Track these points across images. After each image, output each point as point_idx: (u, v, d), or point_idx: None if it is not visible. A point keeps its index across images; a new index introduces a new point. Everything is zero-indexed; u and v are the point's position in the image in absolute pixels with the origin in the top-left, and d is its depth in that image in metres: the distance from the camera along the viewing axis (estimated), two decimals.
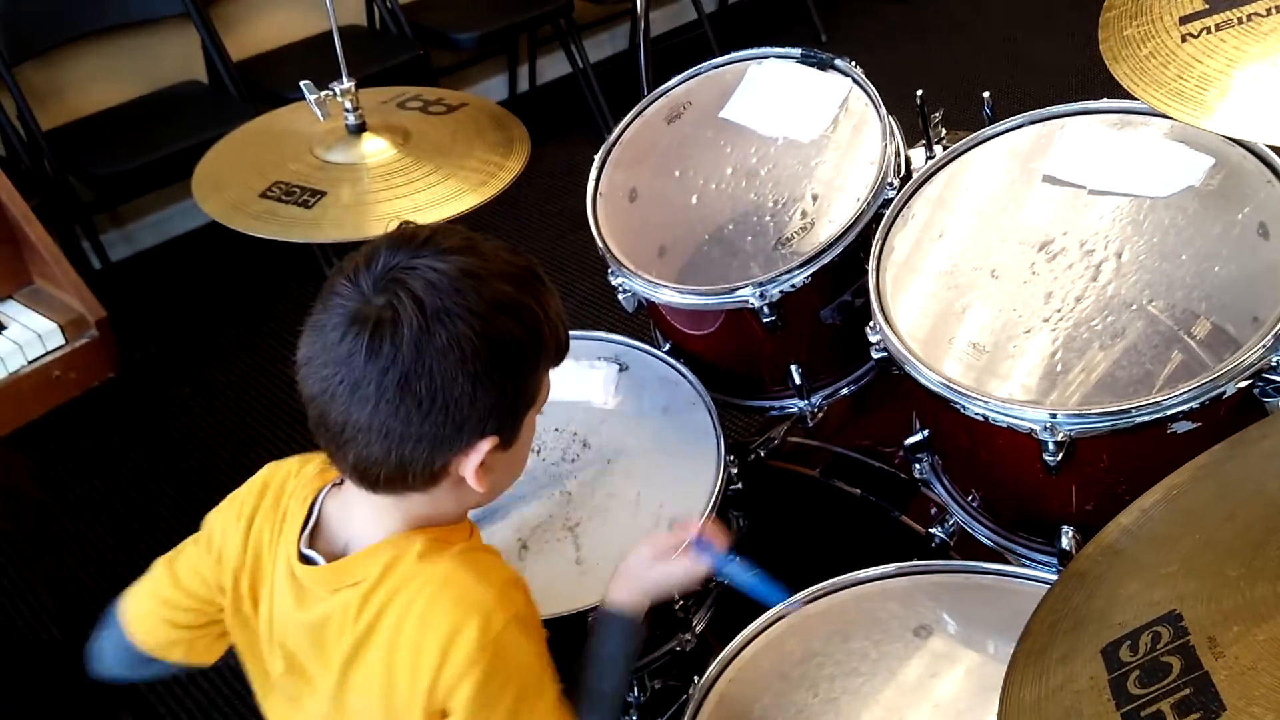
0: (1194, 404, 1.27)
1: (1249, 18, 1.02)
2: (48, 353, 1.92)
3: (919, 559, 1.48)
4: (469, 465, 1.09)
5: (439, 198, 1.71)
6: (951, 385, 1.36)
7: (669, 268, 1.76)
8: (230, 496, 1.24)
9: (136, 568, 1.27)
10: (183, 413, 3.03)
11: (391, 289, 1.04)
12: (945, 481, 1.62)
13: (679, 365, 1.78)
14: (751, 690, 1.36)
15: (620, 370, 1.81)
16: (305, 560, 1.14)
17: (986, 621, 1.39)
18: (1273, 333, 1.27)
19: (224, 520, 1.22)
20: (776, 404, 1.83)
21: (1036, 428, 1.31)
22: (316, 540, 1.16)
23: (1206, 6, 1.06)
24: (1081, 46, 3.74)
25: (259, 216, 1.69)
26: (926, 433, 1.58)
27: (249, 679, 1.24)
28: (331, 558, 1.14)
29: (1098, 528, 1.45)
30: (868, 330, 1.47)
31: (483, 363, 1.05)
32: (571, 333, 1.86)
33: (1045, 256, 1.45)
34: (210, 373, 3.16)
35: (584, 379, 1.81)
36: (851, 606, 1.41)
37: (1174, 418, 1.28)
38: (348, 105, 1.78)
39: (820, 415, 1.83)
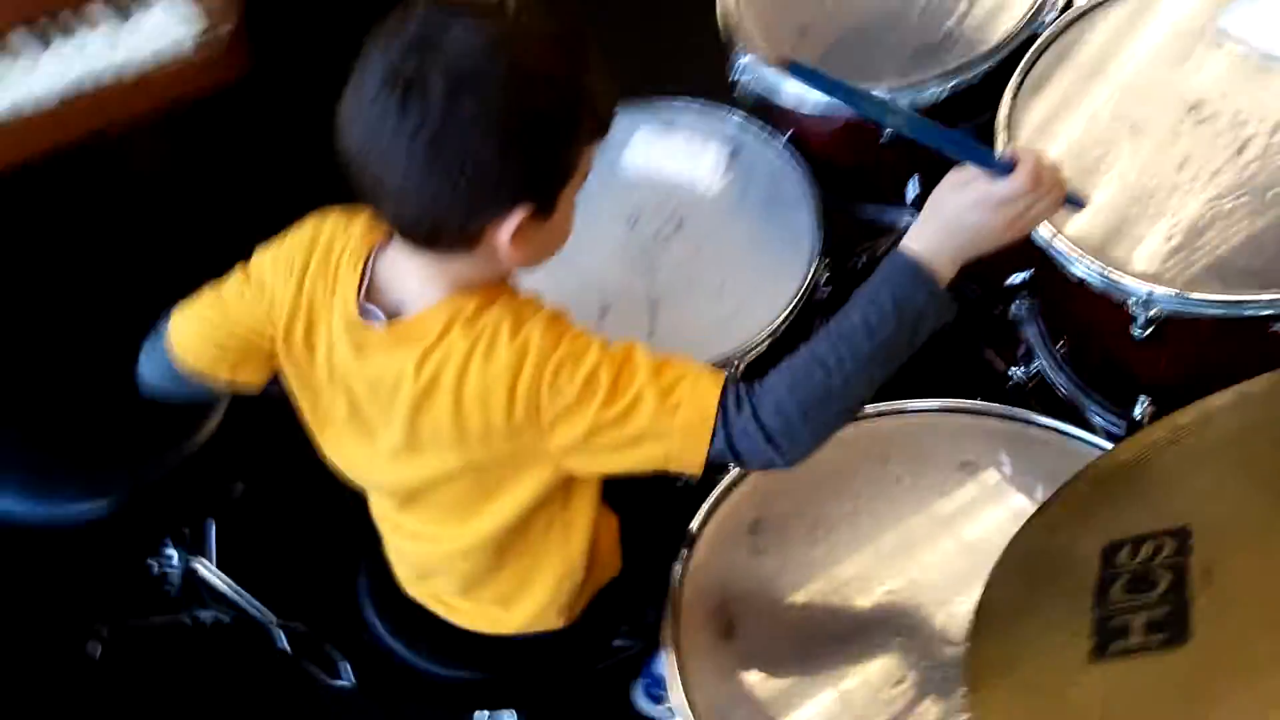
0: None
1: None
2: (189, 37, 1.96)
3: (985, 398, 1.45)
4: (502, 233, 1.09)
5: None
6: (1054, 242, 1.30)
7: (809, 51, 1.68)
8: (277, 243, 1.25)
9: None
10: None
11: (422, 52, 1.02)
12: (1039, 324, 1.57)
13: (796, 158, 1.72)
14: (779, 485, 1.38)
15: (732, 154, 1.77)
16: (364, 314, 1.17)
17: (1039, 470, 1.37)
18: None
19: (274, 268, 1.24)
20: (889, 215, 1.77)
21: (1130, 300, 1.25)
22: (372, 299, 1.18)
23: None
24: None
25: None
26: (1030, 273, 1.52)
27: (305, 420, 1.29)
28: (388, 314, 1.17)
29: (1177, 404, 1.41)
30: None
31: (511, 132, 1.04)
32: (690, 103, 1.86)
33: (1194, 119, 1.34)
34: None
35: (693, 156, 1.77)
36: (898, 433, 1.40)
37: (1276, 318, 1.21)
38: None
39: None
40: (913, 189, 1.68)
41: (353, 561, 1.49)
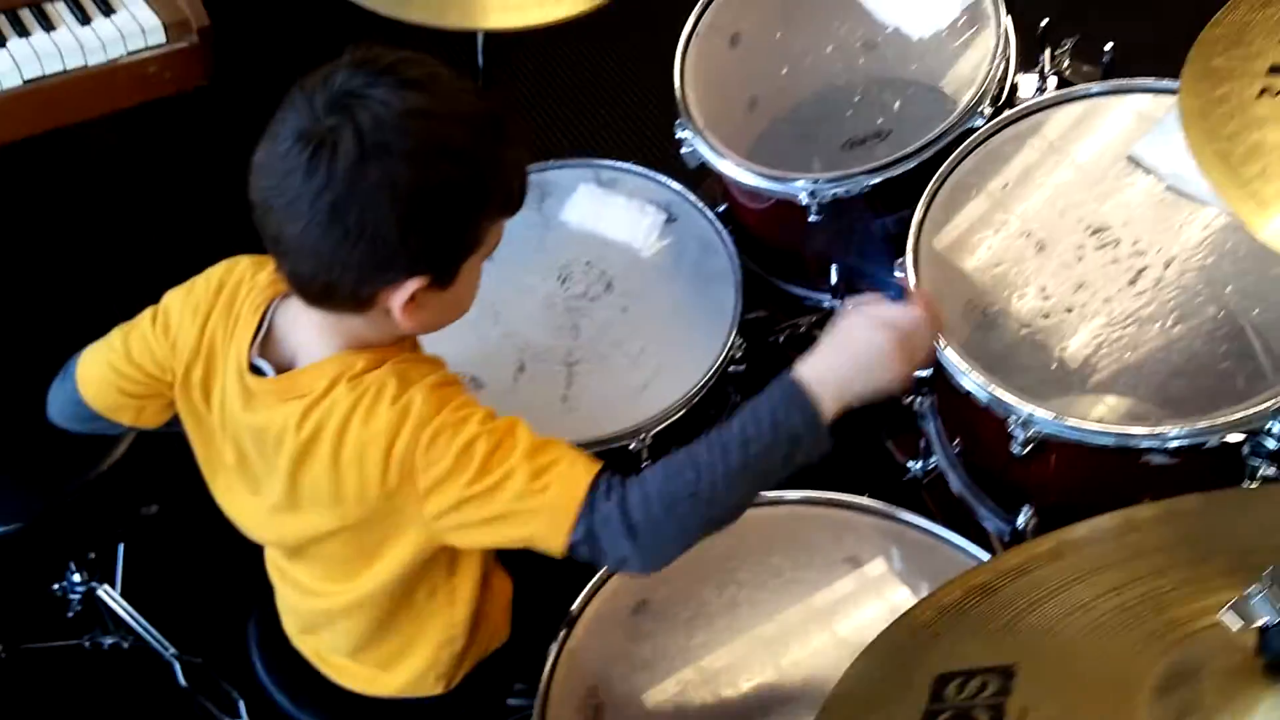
0: (1176, 445, 1.23)
1: None
2: (147, 48, 1.98)
3: (884, 490, 1.48)
4: (395, 300, 1.11)
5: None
6: (945, 352, 1.33)
7: (755, 125, 1.71)
8: (189, 286, 1.27)
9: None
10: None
11: (340, 114, 1.04)
12: (937, 421, 1.61)
13: (724, 233, 1.75)
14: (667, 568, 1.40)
15: (667, 221, 1.80)
16: (255, 369, 1.19)
17: (925, 569, 1.40)
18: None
19: (180, 310, 1.26)
20: (813, 295, 1.81)
21: (1011, 420, 1.29)
22: (267, 349, 1.20)
23: None
24: None
25: None
26: (932, 371, 1.55)
27: (196, 458, 1.30)
28: (280, 367, 1.19)
29: (1059, 516, 1.45)
30: (895, 266, 1.43)
31: (414, 205, 1.06)
32: (632, 169, 1.90)
33: (1096, 243, 1.38)
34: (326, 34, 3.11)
35: (630, 220, 1.80)
36: (784, 523, 1.43)
37: (1151, 452, 1.24)
38: None
39: None
40: (835, 274, 1.71)
41: (248, 603, 1.51)
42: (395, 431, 1.12)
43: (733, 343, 1.65)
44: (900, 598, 1.35)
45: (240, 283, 1.25)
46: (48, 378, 1.39)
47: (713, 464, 1.10)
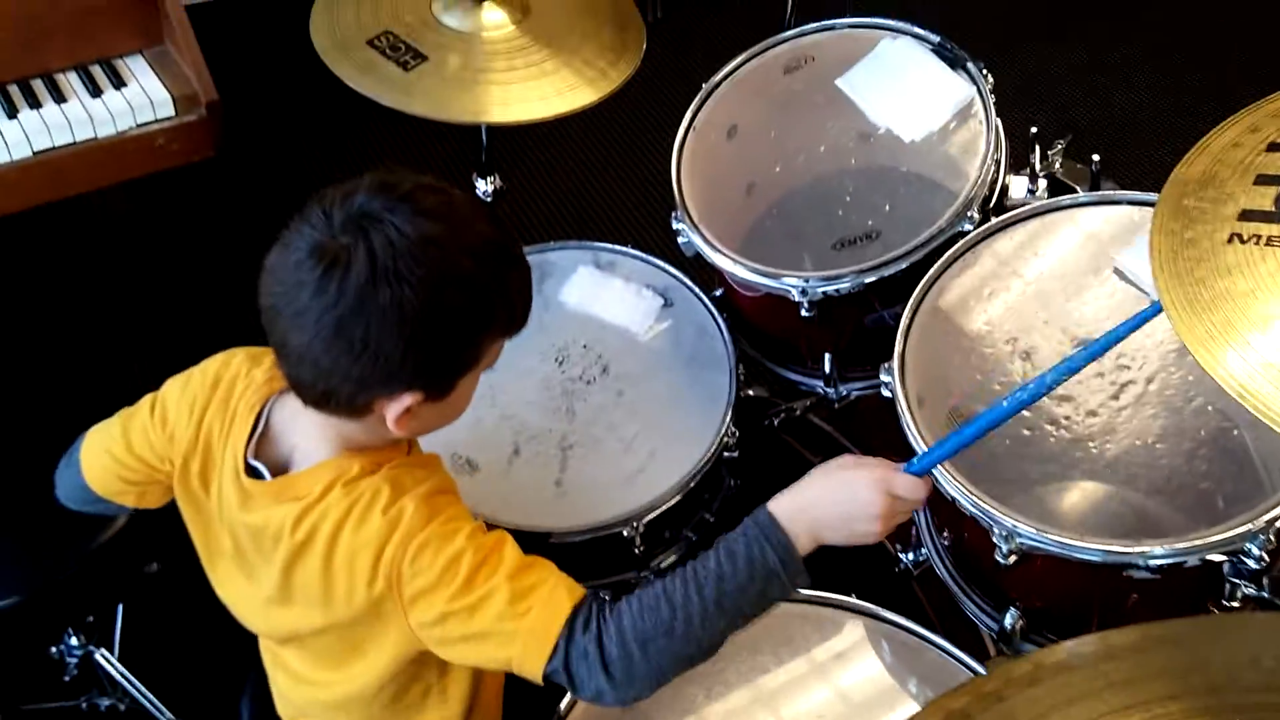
0: (1157, 564, 1.25)
1: None
2: (157, 120, 2.03)
3: (873, 579, 1.51)
4: (390, 411, 1.14)
5: (536, 94, 1.71)
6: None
7: (753, 210, 1.74)
8: (186, 378, 1.30)
9: None
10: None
11: (355, 234, 1.08)
12: (927, 513, 1.63)
13: (720, 320, 1.78)
14: None
15: (664, 306, 1.83)
16: (251, 471, 1.22)
17: (914, 668, 1.42)
18: (1264, 518, 1.23)
19: (177, 402, 1.29)
20: (807, 381, 1.83)
21: (996, 531, 1.31)
22: (262, 448, 1.23)
23: (1274, 209, 0.97)
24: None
25: (359, 65, 1.71)
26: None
27: (195, 545, 1.33)
28: (275, 467, 1.22)
29: (1044, 622, 1.47)
30: (881, 370, 1.46)
31: (419, 327, 1.09)
32: (630, 253, 1.93)
33: None
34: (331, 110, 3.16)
35: (627, 303, 1.83)
36: (771, 621, 1.44)
37: (1134, 568, 1.27)
38: None
39: (848, 400, 1.83)
40: (828, 364, 1.74)
41: (243, 671, 1.53)
42: (384, 540, 1.15)
43: (727, 430, 1.67)
44: (889, 696, 1.38)
45: (236, 378, 1.28)
46: (50, 450, 1.42)
47: (688, 600, 1.12)
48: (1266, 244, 0.95)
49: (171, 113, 2.03)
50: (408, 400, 1.13)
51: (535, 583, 1.14)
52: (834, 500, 1.16)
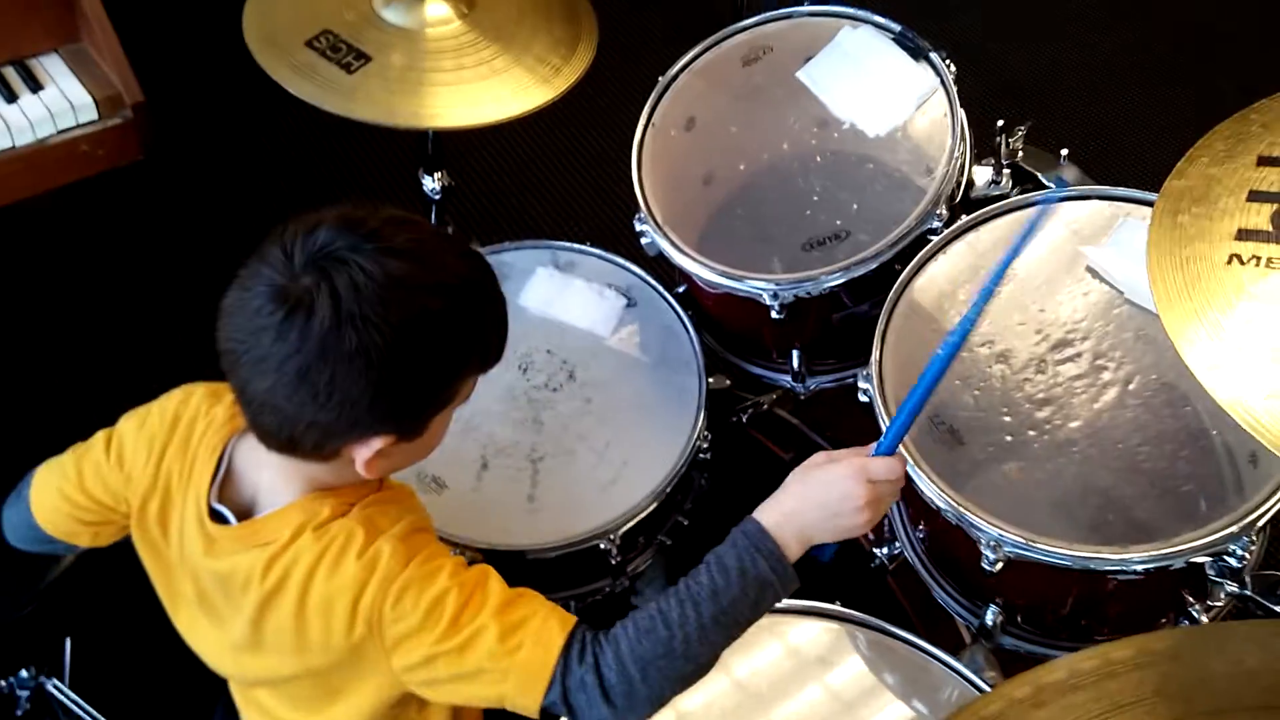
0: (1143, 569, 1.26)
1: None
2: (79, 125, 1.91)
3: (847, 578, 1.50)
4: (359, 455, 1.10)
5: (486, 96, 1.64)
6: (916, 465, 1.35)
7: (711, 201, 1.71)
8: (143, 415, 1.24)
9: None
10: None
11: (317, 276, 1.03)
12: (901, 507, 1.63)
13: (685, 318, 1.75)
14: None
15: (627, 306, 1.79)
16: (215, 515, 1.17)
17: (891, 666, 1.43)
18: (1245, 520, 1.24)
19: (135, 441, 1.23)
20: (772, 375, 1.82)
21: (984, 540, 1.31)
22: (226, 490, 1.18)
23: (1272, 229, 0.97)
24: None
25: (298, 69, 1.63)
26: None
27: (155, 588, 1.27)
28: (240, 510, 1.17)
29: (1025, 618, 1.49)
30: (859, 377, 1.45)
31: (387, 372, 1.05)
32: (590, 251, 1.88)
33: (1056, 357, 1.40)
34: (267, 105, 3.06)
35: (590, 305, 1.79)
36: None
37: (1117, 574, 1.28)
38: None
39: (814, 393, 1.82)
40: (796, 360, 1.72)
41: (209, 700, 1.49)
42: (362, 585, 1.11)
43: (700, 434, 1.65)
44: (874, 693, 1.38)
45: (195, 418, 1.22)
46: None
47: (684, 619, 1.11)
48: (1267, 265, 0.95)
49: (95, 116, 1.92)
50: (377, 444, 1.09)
51: (525, 616, 1.12)
52: (816, 501, 1.15)
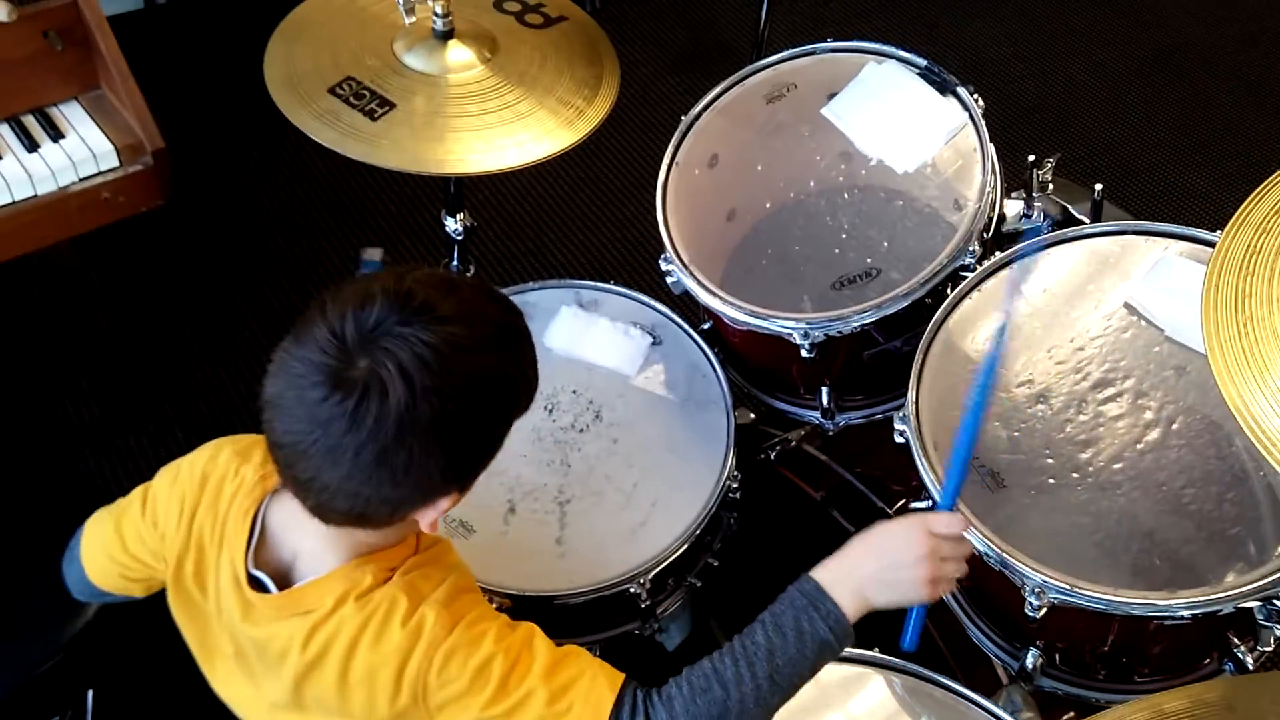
0: (1188, 614, 1.24)
1: None
2: (100, 173, 1.91)
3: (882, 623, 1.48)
4: (426, 518, 1.10)
5: (510, 140, 1.63)
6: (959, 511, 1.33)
7: (737, 239, 1.69)
8: (175, 472, 1.23)
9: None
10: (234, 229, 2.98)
11: (377, 356, 1.01)
12: None
13: (711, 356, 1.74)
14: None
15: (653, 344, 1.78)
16: (253, 581, 1.15)
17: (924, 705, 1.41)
18: None
19: (167, 500, 1.22)
20: (800, 411, 1.79)
21: (1028, 587, 1.29)
22: (262, 554, 1.16)
23: None
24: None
25: (321, 115, 1.63)
26: (931, 504, 1.55)
27: (189, 643, 1.26)
28: (278, 575, 1.15)
29: (1064, 659, 1.46)
30: (895, 418, 1.43)
31: (460, 437, 1.05)
32: (616, 290, 1.87)
33: (1098, 396, 1.38)
34: (284, 144, 3.08)
35: (615, 344, 1.77)
36: None
37: (1161, 618, 1.26)
38: (438, 10, 1.68)
39: (842, 428, 1.80)
40: (825, 396, 1.70)
41: None
42: (407, 654, 1.10)
43: (729, 474, 1.63)
44: None
45: (225, 478, 1.21)
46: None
47: (740, 679, 1.09)
48: None
49: (116, 163, 1.91)
50: (444, 505, 1.09)
51: (573, 677, 1.10)
52: (875, 554, 1.15)
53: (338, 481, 1.03)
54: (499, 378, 1.07)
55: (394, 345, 1.01)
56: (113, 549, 1.27)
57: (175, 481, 1.23)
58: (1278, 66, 3.33)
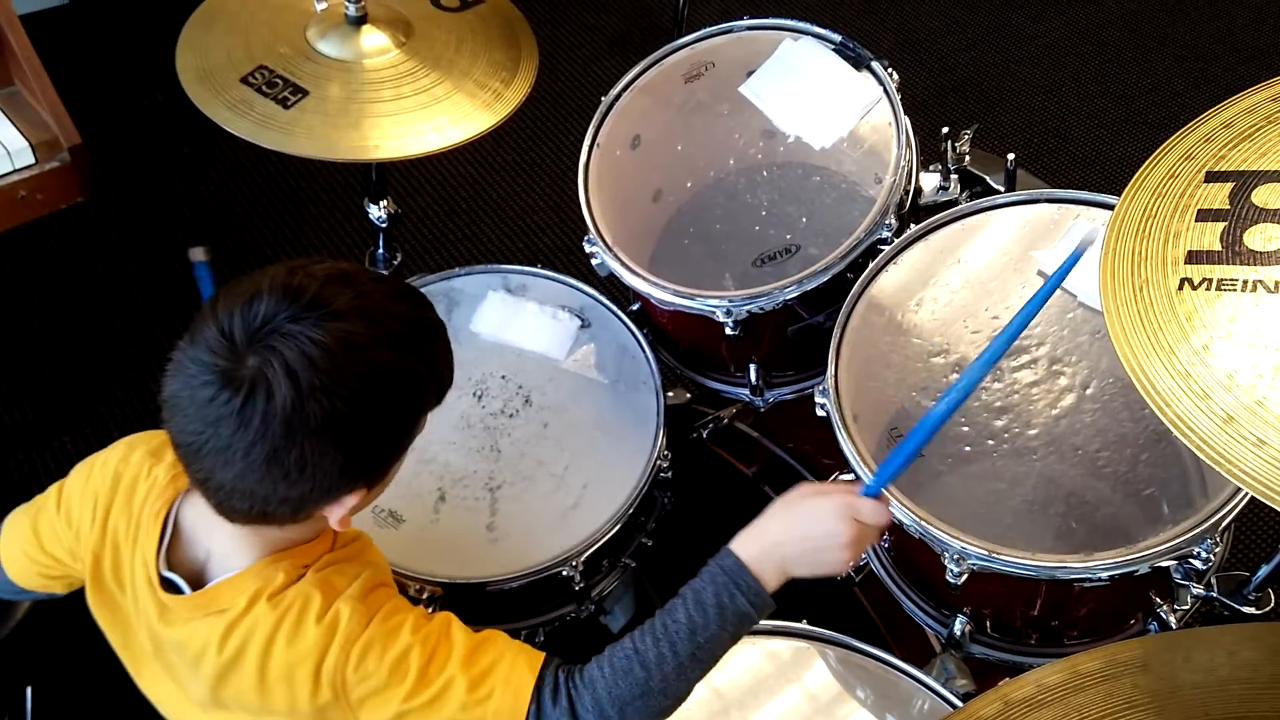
0: (1110, 574, 1.25)
1: (1254, 284, 0.92)
2: (15, 170, 1.87)
3: (814, 590, 1.49)
4: (334, 514, 1.08)
5: (428, 124, 1.62)
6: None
7: (661, 219, 1.69)
8: (88, 470, 1.22)
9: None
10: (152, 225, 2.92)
11: (265, 354, 0.99)
12: None
13: (640, 337, 1.73)
14: None
15: (581, 327, 1.77)
16: (166, 583, 1.14)
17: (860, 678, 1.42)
18: (1208, 522, 1.23)
19: (80, 499, 1.21)
20: (731, 389, 1.80)
21: (948, 554, 1.30)
22: (175, 554, 1.15)
23: (1221, 249, 0.95)
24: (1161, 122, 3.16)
25: (234, 106, 1.60)
26: (854, 477, 1.56)
27: (113, 645, 1.24)
28: (191, 575, 1.14)
29: (994, 625, 1.47)
30: (815, 392, 1.43)
31: (356, 434, 1.03)
32: (543, 274, 1.86)
33: (1012, 364, 1.39)
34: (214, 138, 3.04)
35: (543, 328, 1.77)
36: None
37: (1082, 580, 1.27)
38: None
39: (772, 405, 1.80)
40: (754, 374, 1.71)
41: None
42: (324, 651, 1.09)
43: (659, 453, 1.63)
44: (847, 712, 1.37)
45: (137, 479, 1.19)
46: None
47: (661, 657, 1.09)
48: (1218, 288, 0.94)
49: (31, 160, 1.87)
50: (350, 501, 1.08)
51: (493, 661, 1.10)
52: (801, 535, 1.14)
53: (231, 481, 1.02)
54: (398, 374, 1.05)
55: (280, 344, 0.99)
56: (29, 547, 1.25)
57: (88, 480, 1.21)
58: (1204, 35, 3.36)
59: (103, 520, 1.19)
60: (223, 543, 1.14)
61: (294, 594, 1.11)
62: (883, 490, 1.15)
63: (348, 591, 1.11)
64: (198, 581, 1.15)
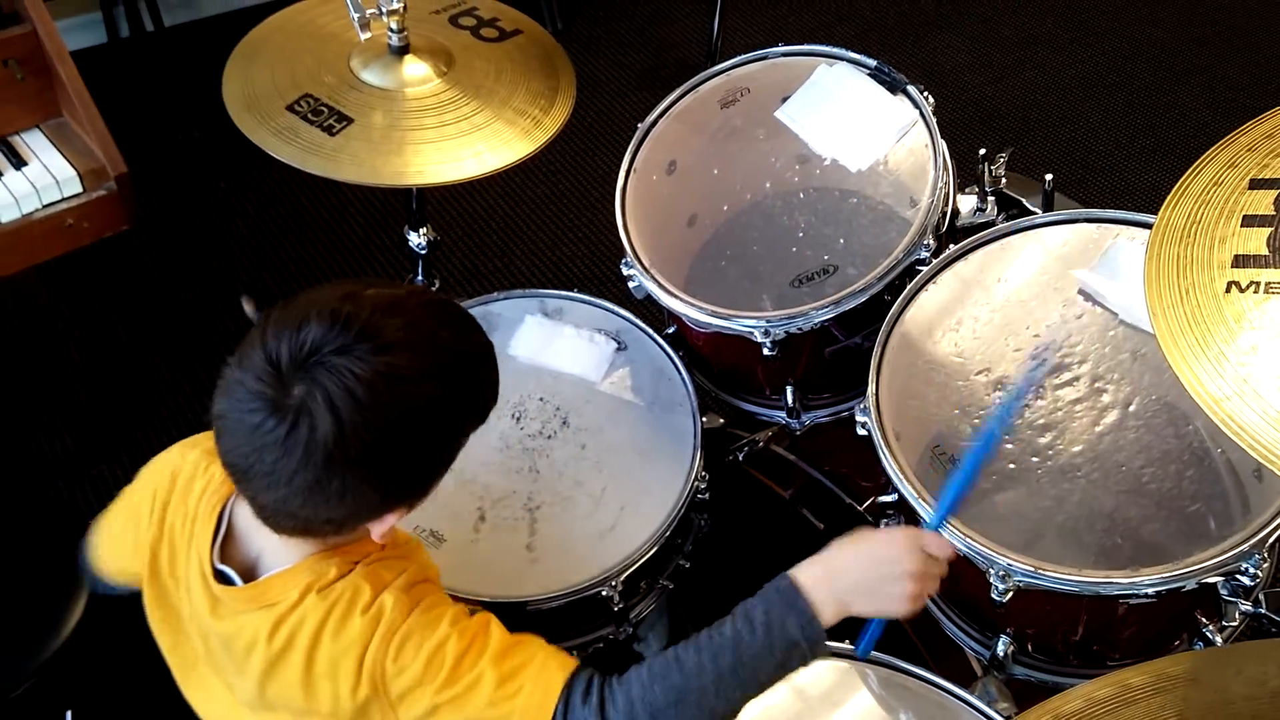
0: (1154, 591, 1.25)
1: None
2: (64, 199, 1.91)
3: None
4: (375, 530, 1.11)
5: (468, 151, 1.64)
6: (920, 498, 1.34)
7: (697, 242, 1.70)
8: (150, 467, 1.26)
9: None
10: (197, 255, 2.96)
11: (309, 385, 1.00)
12: None
13: (676, 359, 1.75)
14: None
15: (618, 350, 1.78)
16: (219, 575, 1.16)
17: (902, 700, 1.41)
18: (1255, 537, 1.23)
19: (141, 493, 1.24)
20: (766, 411, 1.80)
21: (993, 571, 1.30)
22: (228, 550, 1.17)
23: (1269, 253, 0.96)
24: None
25: (280, 133, 1.63)
26: (896, 498, 1.56)
27: (162, 648, 1.26)
28: (244, 569, 1.16)
29: (1036, 646, 1.47)
30: (856, 410, 1.44)
31: (396, 464, 1.05)
32: (580, 298, 1.88)
33: (1055, 382, 1.40)
34: (251, 172, 3.11)
35: (579, 351, 1.78)
36: None
37: (1126, 598, 1.26)
38: (393, 25, 1.69)
39: (809, 427, 1.81)
40: (790, 396, 1.71)
41: None
42: (366, 641, 1.11)
43: (697, 475, 1.64)
44: None
45: (194, 475, 1.22)
46: None
47: (701, 669, 1.08)
48: (1265, 291, 0.94)
49: (79, 189, 1.91)
50: (392, 519, 1.10)
51: (523, 661, 1.11)
52: (861, 562, 1.12)
53: (275, 503, 1.05)
54: (440, 405, 1.06)
55: (325, 377, 1.00)
56: (110, 542, 1.30)
57: (148, 476, 1.26)
58: (1230, 65, 3.38)
59: (160, 515, 1.22)
60: (275, 541, 1.15)
61: (343, 586, 1.13)
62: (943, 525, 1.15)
63: (394, 583, 1.13)
64: (250, 576, 1.17)
